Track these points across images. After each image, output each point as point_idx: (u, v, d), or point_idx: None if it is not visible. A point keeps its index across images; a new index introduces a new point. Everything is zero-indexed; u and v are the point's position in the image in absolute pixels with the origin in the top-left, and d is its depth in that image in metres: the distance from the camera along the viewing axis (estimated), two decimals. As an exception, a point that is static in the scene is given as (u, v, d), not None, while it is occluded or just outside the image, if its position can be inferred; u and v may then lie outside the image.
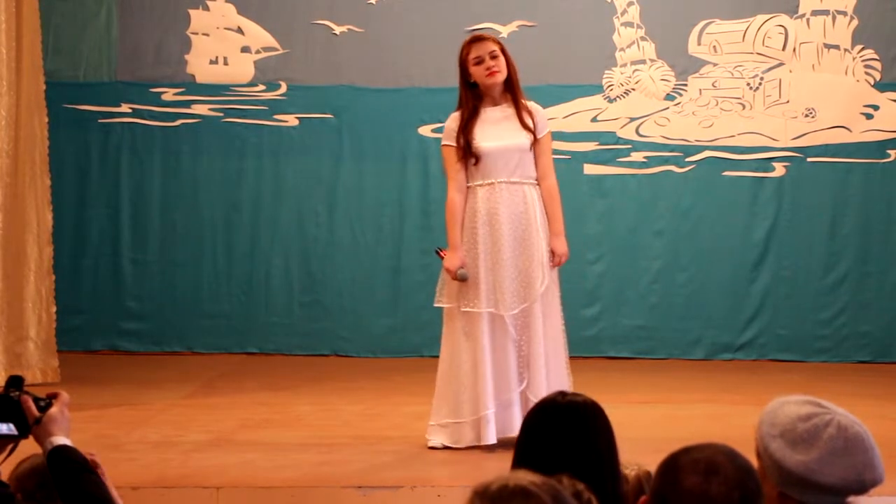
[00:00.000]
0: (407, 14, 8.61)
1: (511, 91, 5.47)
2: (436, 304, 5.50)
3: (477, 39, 5.52)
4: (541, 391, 5.26)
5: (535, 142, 5.45)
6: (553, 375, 5.38)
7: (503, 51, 5.46)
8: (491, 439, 5.30)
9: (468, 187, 5.45)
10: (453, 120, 5.49)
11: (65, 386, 6.72)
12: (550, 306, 5.42)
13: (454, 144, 5.43)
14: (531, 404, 5.22)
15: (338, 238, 8.63)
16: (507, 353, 5.33)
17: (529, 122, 5.43)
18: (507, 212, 5.38)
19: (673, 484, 2.23)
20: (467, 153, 5.40)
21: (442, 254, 5.42)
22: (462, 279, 5.34)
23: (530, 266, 5.36)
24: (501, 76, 5.43)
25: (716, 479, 2.21)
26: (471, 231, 5.41)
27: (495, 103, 5.48)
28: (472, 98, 5.47)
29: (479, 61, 5.42)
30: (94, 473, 2.72)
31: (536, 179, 5.46)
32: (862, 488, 2.40)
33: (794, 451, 2.37)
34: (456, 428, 5.37)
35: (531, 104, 5.52)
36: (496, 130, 5.42)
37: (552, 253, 5.41)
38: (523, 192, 5.41)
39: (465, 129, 5.41)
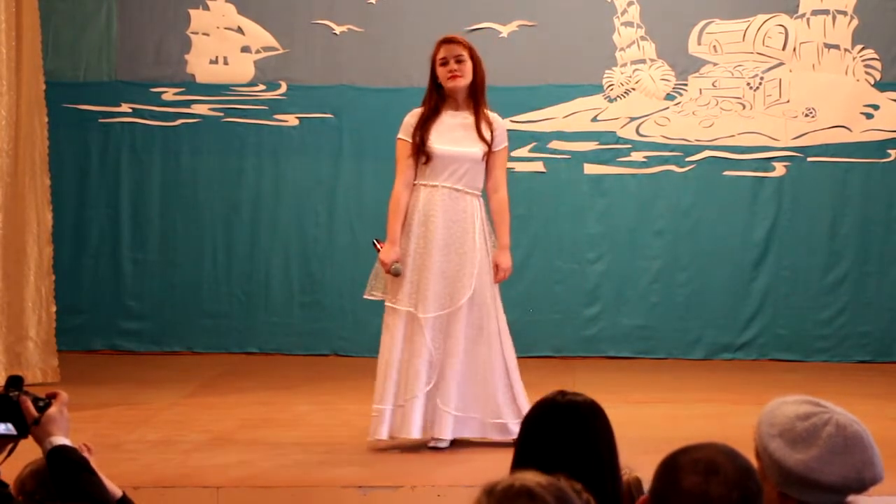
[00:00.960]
0: (407, 14, 8.61)
1: (474, 98, 5.48)
2: (365, 296, 5.58)
3: (447, 41, 5.53)
4: (451, 399, 5.30)
5: (490, 154, 5.46)
6: (473, 386, 5.37)
7: (472, 56, 5.47)
8: (382, 435, 5.34)
9: (414, 185, 5.47)
10: (412, 115, 5.53)
11: (65, 386, 6.73)
12: (485, 317, 5.40)
13: (408, 140, 5.47)
14: (439, 411, 5.29)
15: (337, 238, 8.63)
16: (416, 355, 5.36)
17: (487, 134, 5.45)
18: (444, 217, 5.40)
19: (672, 484, 2.23)
20: (420, 151, 5.42)
21: (379, 246, 5.45)
22: (395, 274, 5.39)
23: (459, 274, 5.37)
24: (463, 81, 5.44)
25: (715, 480, 2.21)
26: (406, 228, 5.46)
27: (457, 108, 5.50)
28: (436, 98, 5.49)
29: (444, 62, 5.46)
30: (93, 473, 2.72)
31: (484, 191, 5.50)
32: (862, 486, 2.40)
33: (794, 451, 2.38)
34: (381, 413, 5.41)
35: (493, 115, 5.54)
36: (452, 135, 5.45)
37: (496, 266, 5.41)
38: (465, 202, 5.44)
39: (423, 127, 5.44)
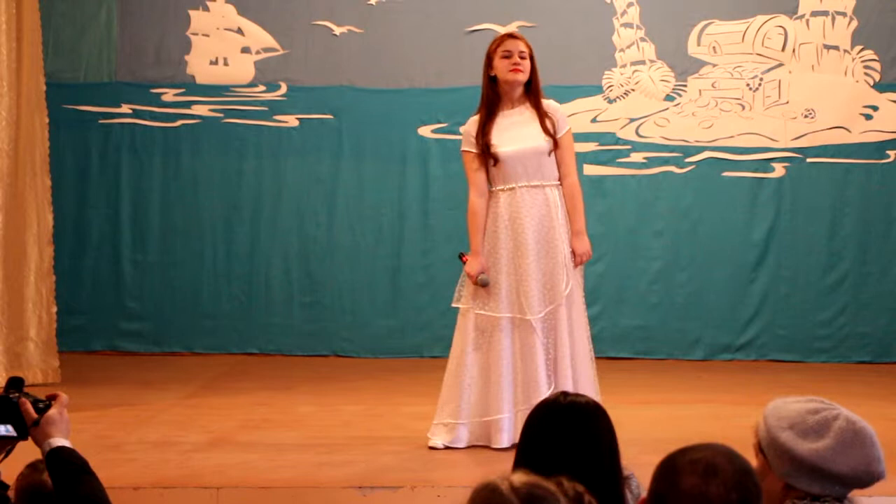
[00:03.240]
0: (407, 15, 8.61)
1: (533, 96, 5.46)
2: (453, 305, 5.50)
3: (512, 36, 5.52)
4: (579, 389, 5.26)
5: (555, 143, 5.44)
6: (580, 377, 5.36)
7: (531, 56, 5.46)
8: (503, 443, 5.28)
9: (490, 192, 5.45)
10: (471, 124, 5.47)
11: (65, 386, 6.73)
12: (575, 308, 5.40)
13: (473, 150, 5.43)
14: None
15: (338, 238, 8.63)
16: (534, 358, 5.29)
17: (550, 125, 5.43)
18: (530, 216, 5.36)
19: (671, 485, 2.23)
20: (486, 155, 5.40)
21: (464, 259, 5.41)
22: (483, 284, 5.33)
23: (554, 268, 5.34)
24: (523, 77, 5.41)
25: (714, 481, 2.21)
26: (492, 235, 5.40)
27: (512, 106, 5.46)
28: (491, 95, 5.45)
29: (508, 55, 5.41)
30: (92, 475, 2.72)
31: (559, 179, 5.46)
32: (869, 480, 2.43)
33: (806, 440, 2.40)
34: (455, 428, 5.37)
35: (550, 103, 5.50)
36: (514, 134, 5.41)
37: (573, 252, 5.40)
38: (545, 195, 5.40)
39: (484, 132, 5.40)
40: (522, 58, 5.40)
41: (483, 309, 5.36)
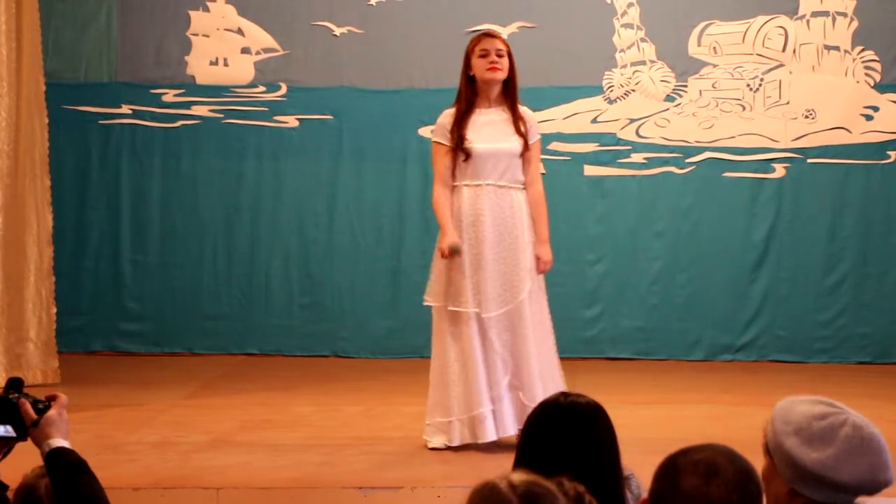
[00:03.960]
0: (407, 15, 8.61)
1: (509, 96, 5.48)
2: (425, 303, 5.51)
3: (488, 35, 5.55)
4: (536, 393, 5.28)
5: (526, 148, 5.46)
6: (544, 378, 5.38)
7: (510, 54, 5.47)
8: (489, 436, 5.31)
9: (454, 186, 5.47)
10: (447, 116, 5.50)
11: (65, 387, 6.73)
12: (535, 311, 5.42)
13: (445, 143, 5.45)
14: (525, 407, 5.27)
15: (337, 239, 8.63)
16: (492, 353, 5.36)
17: (524, 129, 5.45)
18: (493, 215, 5.39)
19: (672, 486, 2.23)
20: (458, 149, 5.41)
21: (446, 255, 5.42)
22: (455, 252, 5.33)
23: (515, 270, 5.37)
24: (501, 75, 5.43)
25: (715, 481, 2.21)
26: (455, 230, 5.42)
27: (489, 105, 5.49)
28: (469, 93, 5.47)
29: (485, 54, 5.43)
30: (91, 475, 2.71)
31: (524, 185, 5.48)
32: (875, 488, 2.40)
33: (811, 449, 2.37)
34: (448, 426, 5.38)
35: (524, 110, 5.55)
36: (489, 132, 5.44)
37: (538, 259, 5.41)
38: (511, 196, 5.44)
39: (460, 125, 5.42)
40: (500, 56, 5.43)
41: (453, 304, 5.39)
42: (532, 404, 5.22)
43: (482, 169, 5.41)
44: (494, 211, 5.39)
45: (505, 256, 5.38)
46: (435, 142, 5.50)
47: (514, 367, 5.37)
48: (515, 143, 5.43)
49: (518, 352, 5.36)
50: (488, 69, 5.40)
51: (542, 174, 8.33)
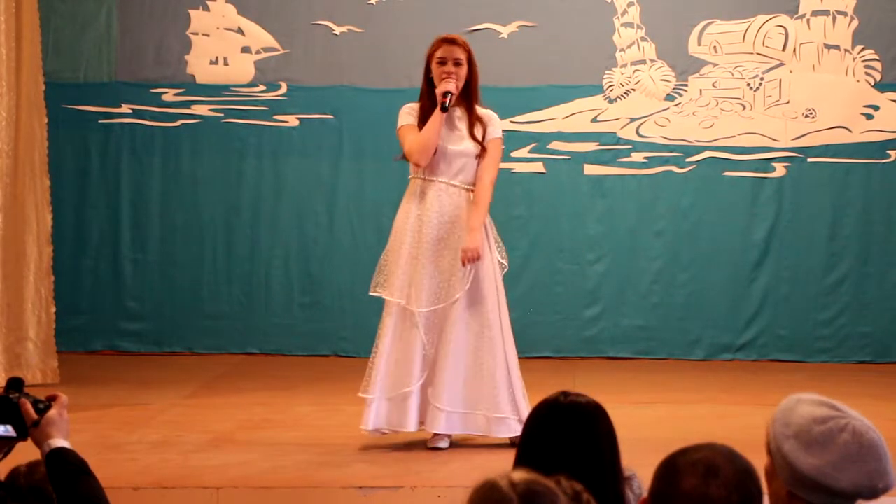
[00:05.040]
0: (407, 14, 8.61)
1: (467, 99, 5.49)
2: (370, 293, 5.59)
3: (448, 41, 5.54)
4: (442, 395, 5.30)
5: (483, 150, 5.48)
6: (473, 382, 5.37)
7: (470, 60, 5.49)
8: (368, 425, 5.38)
9: (410, 178, 5.52)
10: (411, 108, 5.53)
11: (64, 386, 6.73)
12: (487, 314, 5.39)
13: (412, 121, 5.47)
14: (431, 407, 5.30)
15: (338, 238, 8.63)
16: (410, 347, 5.38)
17: (479, 133, 5.46)
18: (439, 212, 5.43)
19: (671, 486, 2.23)
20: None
21: (445, 100, 5.37)
22: (446, 95, 5.34)
23: (453, 269, 5.38)
24: (454, 86, 5.42)
25: (715, 482, 2.20)
26: (402, 220, 5.49)
27: (451, 105, 5.49)
28: (431, 94, 5.49)
29: (442, 62, 5.46)
30: (91, 475, 2.71)
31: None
32: (873, 494, 2.38)
33: (808, 454, 2.35)
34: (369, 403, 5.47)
35: (485, 112, 5.57)
36: (444, 133, 5.46)
37: (463, 251, 5.34)
38: (461, 197, 5.47)
39: (423, 121, 5.44)
40: (458, 65, 5.44)
41: (377, 291, 5.49)
42: (437, 404, 5.27)
43: (435, 166, 5.45)
44: (441, 208, 5.43)
45: (444, 255, 5.40)
46: (404, 125, 5.51)
47: (433, 366, 5.38)
48: (469, 146, 5.47)
49: (440, 352, 5.36)
50: (443, 79, 5.43)
51: (542, 173, 8.53)
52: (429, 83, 5.52)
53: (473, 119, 5.49)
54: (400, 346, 5.40)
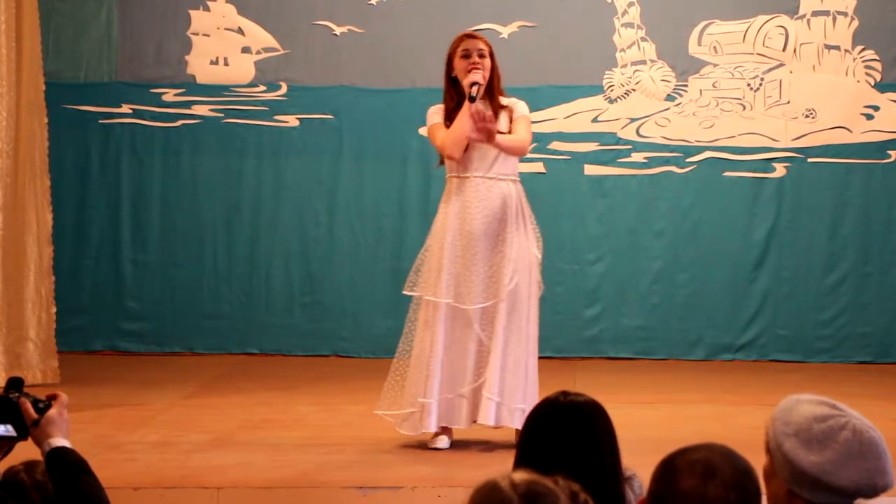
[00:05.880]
0: (407, 14, 8.61)
1: (490, 93, 5.48)
2: (404, 292, 5.53)
3: (469, 36, 5.55)
4: (494, 386, 5.28)
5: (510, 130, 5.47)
6: (513, 376, 5.35)
7: (492, 55, 5.49)
8: (431, 427, 5.33)
9: (447, 178, 5.50)
10: (437, 109, 5.52)
11: (65, 386, 6.73)
12: (524, 307, 5.39)
13: (440, 120, 5.45)
14: (484, 399, 5.28)
15: (338, 238, 8.63)
16: (464, 348, 5.34)
17: (505, 125, 5.44)
18: (482, 207, 5.39)
19: (670, 486, 2.23)
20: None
21: (473, 91, 5.32)
22: (474, 85, 5.30)
23: (501, 263, 5.36)
24: (482, 76, 5.42)
25: (713, 482, 2.21)
26: (442, 220, 5.44)
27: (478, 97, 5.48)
28: (453, 94, 5.48)
29: (467, 55, 5.44)
30: (91, 475, 2.71)
31: (517, 177, 5.49)
32: (872, 492, 2.39)
33: (809, 452, 2.36)
34: (408, 415, 5.40)
35: (509, 100, 5.54)
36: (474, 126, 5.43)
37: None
38: (500, 189, 5.43)
39: (449, 119, 5.43)
40: (481, 56, 5.43)
41: (430, 294, 5.39)
42: (490, 395, 5.25)
43: (469, 162, 5.42)
44: (484, 203, 5.39)
45: (492, 249, 5.38)
46: (433, 124, 5.49)
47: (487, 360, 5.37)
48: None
49: (492, 345, 5.35)
50: (470, 70, 5.41)
51: (542, 173, 8.53)
52: (451, 82, 5.50)
53: (498, 110, 5.47)
54: (453, 346, 5.35)
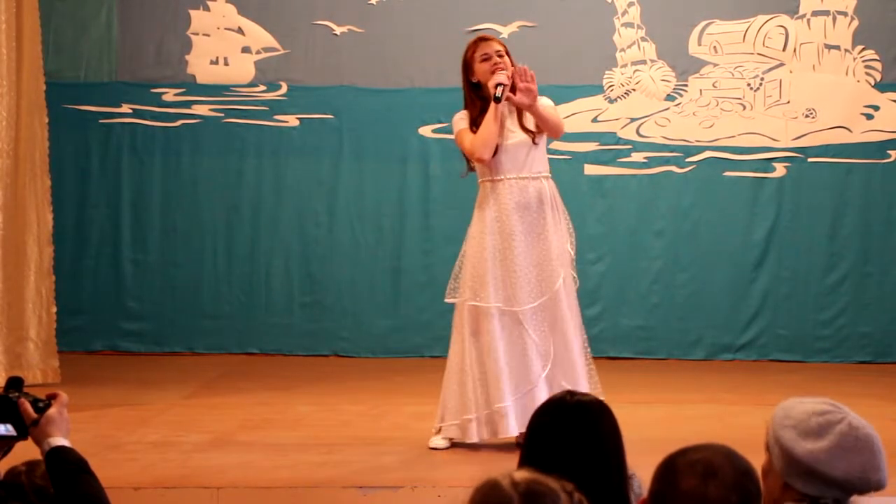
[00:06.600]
0: (407, 14, 8.61)
1: (514, 94, 5.46)
2: (446, 300, 5.48)
3: (484, 39, 5.54)
4: (579, 380, 5.26)
5: (536, 134, 5.45)
6: (574, 368, 5.35)
7: (508, 54, 5.49)
8: (511, 431, 5.27)
9: (479, 182, 5.47)
10: (463, 114, 5.49)
11: (65, 386, 6.73)
12: (567, 301, 5.39)
13: (467, 126, 5.42)
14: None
15: (338, 238, 8.63)
16: (523, 348, 5.31)
17: (530, 121, 5.44)
18: (518, 207, 5.37)
19: (671, 486, 2.23)
20: None
21: (499, 88, 5.29)
22: (500, 86, 5.27)
23: (545, 260, 5.36)
24: (507, 75, 5.41)
25: (713, 482, 2.21)
26: (479, 224, 5.41)
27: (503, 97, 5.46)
28: (475, 99, 5.47)
29: (487, 58, 5.43)
30: (91, 474, 2.71)
31: (548, 173, 5.48)
32: (865, 487, 2.40)
33: (805, 440, 2.39)
34: (466, 424, 5.35)
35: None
36: (502, 128, 5.42)
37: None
38: (534, 187, 5.42)
39: (476, 124, 5.41)
40: (500, 56, 5.43)
41: (475, 300, 5.35)
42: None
43: (499, 165, 5.40)
44: (520, 204, 5.38)
45: (534, 247, 5.36)
46: (461, 129, 5.45)
47: (556, 358, 5.34)
48: (523, 136, 5.43)
49: (556, 341, 5.34)
50: (493, 72, 5.40)
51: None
52: (472, 88, 5.48)
53: (521, 112, 5.46)
54: (511, 349, 5.32)
